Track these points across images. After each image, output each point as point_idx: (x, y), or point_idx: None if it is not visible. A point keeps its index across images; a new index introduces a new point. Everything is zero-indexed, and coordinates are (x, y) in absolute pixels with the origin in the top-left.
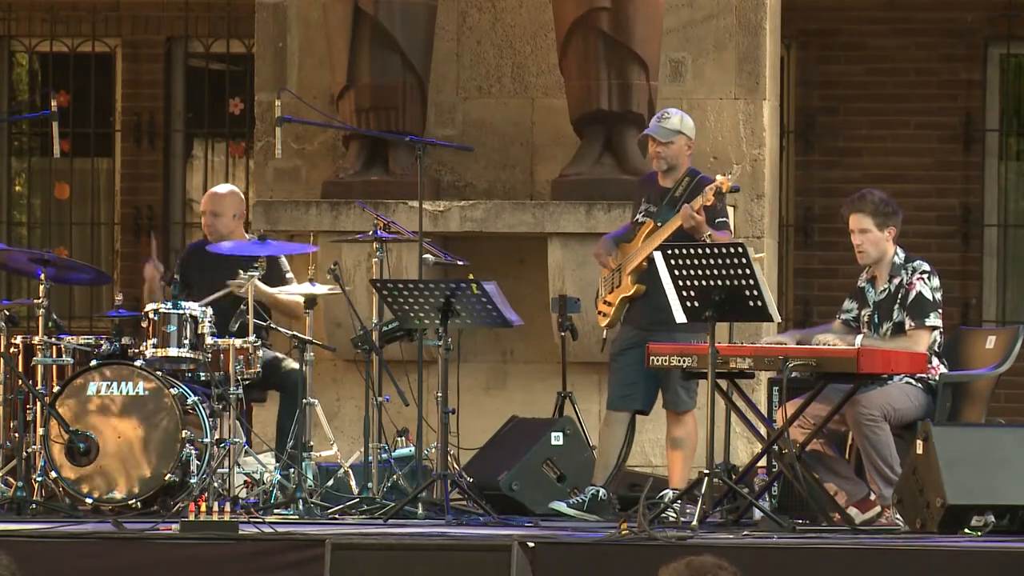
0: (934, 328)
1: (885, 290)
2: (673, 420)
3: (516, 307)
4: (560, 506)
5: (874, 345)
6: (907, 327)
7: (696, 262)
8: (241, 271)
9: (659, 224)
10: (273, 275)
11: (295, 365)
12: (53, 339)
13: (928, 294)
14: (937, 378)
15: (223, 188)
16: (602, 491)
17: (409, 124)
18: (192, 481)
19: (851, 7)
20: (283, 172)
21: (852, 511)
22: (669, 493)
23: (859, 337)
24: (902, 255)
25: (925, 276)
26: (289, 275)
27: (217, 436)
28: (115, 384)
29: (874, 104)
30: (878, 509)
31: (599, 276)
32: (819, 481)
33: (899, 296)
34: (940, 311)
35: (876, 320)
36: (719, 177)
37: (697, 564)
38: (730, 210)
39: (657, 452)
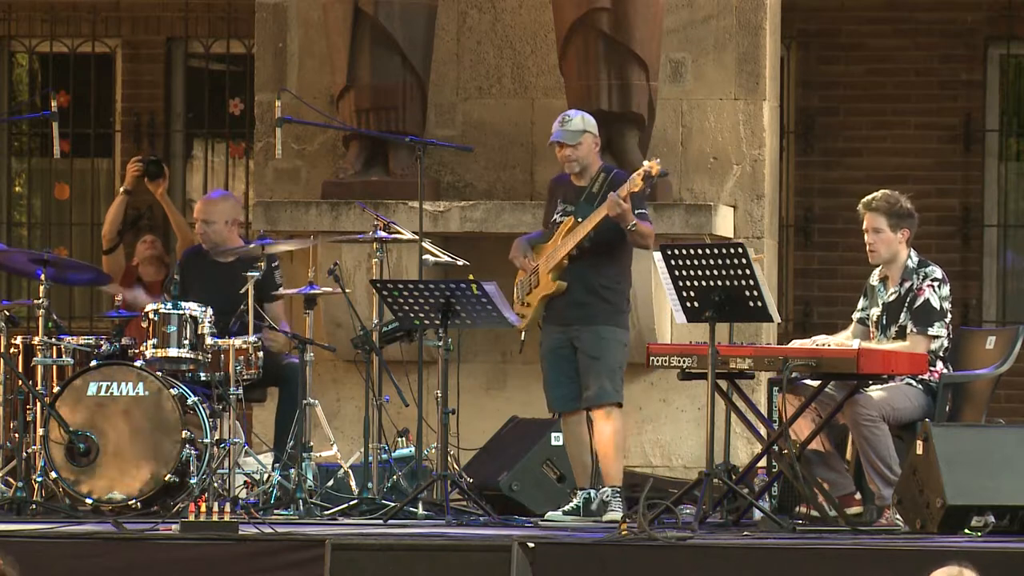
0: (936, 337)
1: (895, 292)
2: (599, 415)
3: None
4: (556, 515)
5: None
6: (908, 331)
7: (696, 262)
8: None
9: (580, 220)
10: (267, 283)
11: (293, 359)
12: (53, 339)
13: (936, 302)
14: (937, 379)
15: (216, 194)
16: (593, 492)
17: (409, 124)
18: (192, 481)
19: (851, 7)
20: (283, 172)
21: None
22: (609, 491)
23: (856, 340)
24: (916, 259)
25: (935, 284)
26: (280, 288)
27: (217, 436)
28: (115, 384)
29: (874, 104)
30: (859, 509)
31: (515, 280)
32: (819, 481)
33: (907, 300)
34: (946, 321)
35: (884, 322)
36: (647, 162)
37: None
38: (730, 210)
39: (657, 452)
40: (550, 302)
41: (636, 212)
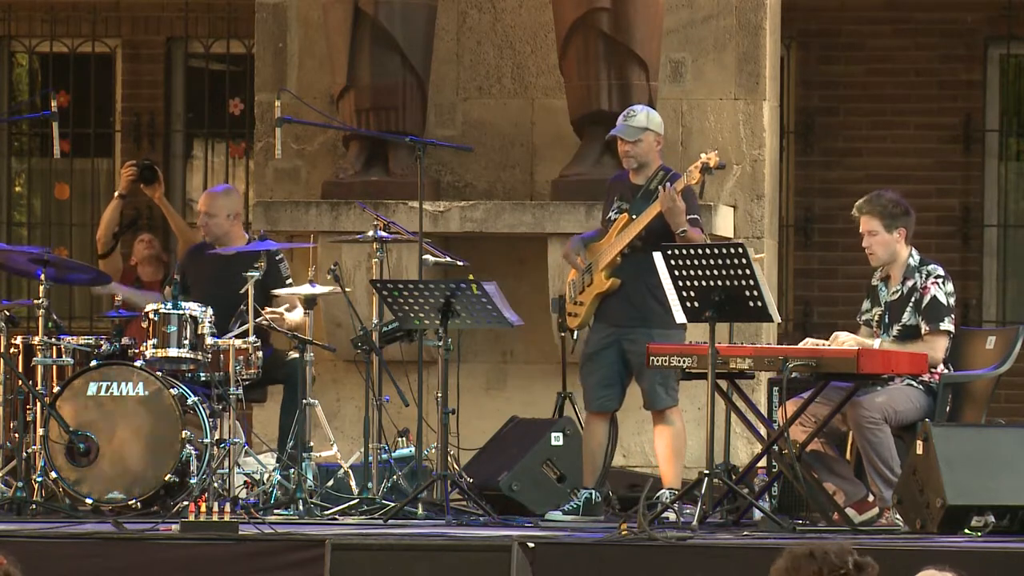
0: (948, 333)
1: (898, 291)
2: (657, 418)
3: (516, 307)
4: (556, 515)
5: (892, 349)
6: (923, 331)
7: (696, 262)
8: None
9: (634, 217)
10: (272, 278)
11: (297, 356)
12: (53, 339)
13: (943, 299)
14: (938, 380)
15: (219, 188)
16: (595, 493)
17: (409, 124)
18: (192, 481)
19: (851, 7)
20: (283, 172)
21: (849, 511)
22: (666, 493)
23: (877, 341)
24: (917, 257)
25: (940, 280)
26: (289, 280)
27: (217, 436)
28: (115, 384)
29: (874, 104)
30: (876, 510)
31: (567, 279)
32: (819, 481)
33: (912, 299)
34: (953, 316)
35: (887, 320)
36: (704, 153)
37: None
38: (730, 210)
39: None
40: (603, 300)
41: (689, 217)
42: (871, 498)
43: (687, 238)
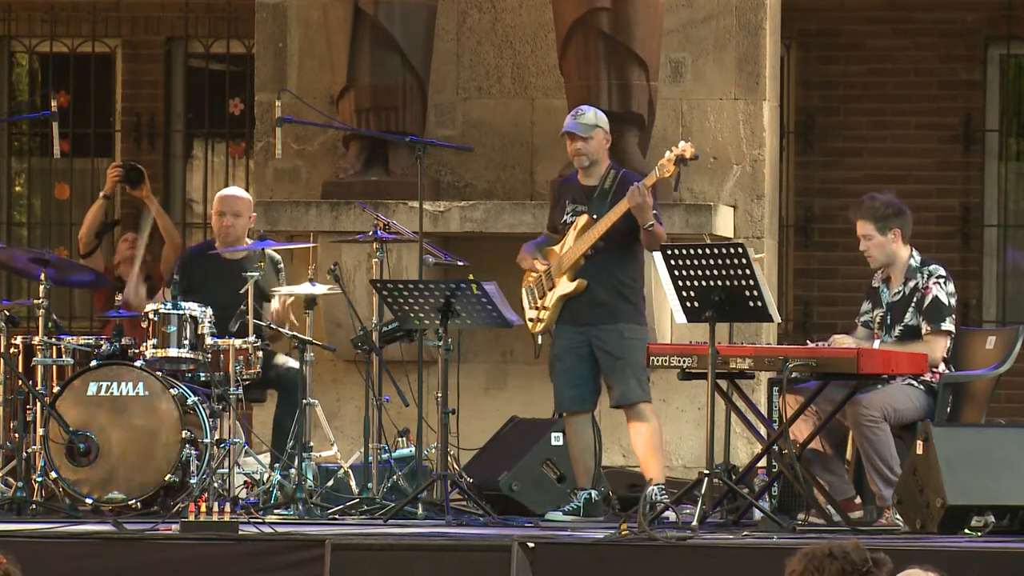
0: (949, 333)
1: (899, 292)
2: (630, 415)
3: (516, 307)
4: (556, 515)
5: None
6: (924, 331)
7: (696, 262)
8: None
9: (595, 217)
10: (270, 280)
11: (292, 363)
12: (53, 339)
13: (944, 299)
14: (938, 379)
15: (237, 191)
16: (594, 493)
17: (409, 124)
18: (192, 481)
19: (851, 7)
20: (283, 172)
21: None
22: (655, 490)
23: (876, 343)
24: (918, 258)
25: (941, 281)
26: (282, 285)
27: (217, 436)
28: (115, 384)
29: (874, 104)
30: (860, 513)
31: (523, 286)
32: (819, 482)
33: (913, 299)
34: (954, 316)
35: (889, 322)
36: (675, 146)
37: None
38: (730, 210)
39: None
40: (567, 303)
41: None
42: (858, 500)
43: (654, 233)
